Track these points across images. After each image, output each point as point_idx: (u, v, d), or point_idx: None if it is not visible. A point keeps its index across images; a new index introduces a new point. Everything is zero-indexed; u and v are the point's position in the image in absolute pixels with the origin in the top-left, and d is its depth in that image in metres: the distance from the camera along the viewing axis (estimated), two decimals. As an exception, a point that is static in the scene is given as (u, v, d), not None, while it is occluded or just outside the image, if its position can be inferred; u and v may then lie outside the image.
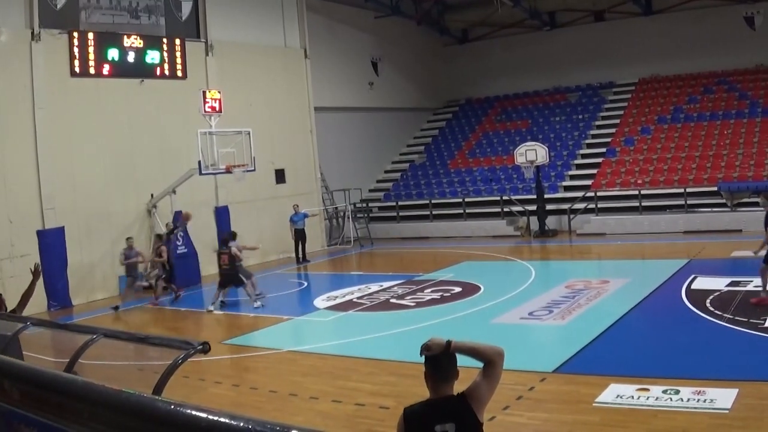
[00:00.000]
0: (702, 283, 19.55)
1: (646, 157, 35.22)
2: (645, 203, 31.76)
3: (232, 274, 21.72)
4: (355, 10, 39.41)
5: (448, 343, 5.18)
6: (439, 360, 5.19)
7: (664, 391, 11.10)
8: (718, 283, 19.14)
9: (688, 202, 31.06)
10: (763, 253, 16.39)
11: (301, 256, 30.46)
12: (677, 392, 11.04)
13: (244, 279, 21.70)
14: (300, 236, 30.46)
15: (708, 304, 16.96)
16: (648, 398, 10.94)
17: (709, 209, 30.76)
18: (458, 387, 5.20)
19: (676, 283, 19.83)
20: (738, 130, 35.00)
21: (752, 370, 11.88)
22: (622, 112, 39.81)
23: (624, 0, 40.05)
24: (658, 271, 21.73)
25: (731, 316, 15.32)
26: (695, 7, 39.11)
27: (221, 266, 22.08)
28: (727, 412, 10.25)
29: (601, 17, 42.27)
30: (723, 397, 10.70)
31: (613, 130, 38.55)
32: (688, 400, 10.75)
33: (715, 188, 31.11)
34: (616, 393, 11.26)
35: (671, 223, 30.49)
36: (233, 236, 22.67)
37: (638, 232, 30.68)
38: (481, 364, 5.32)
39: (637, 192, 32.23)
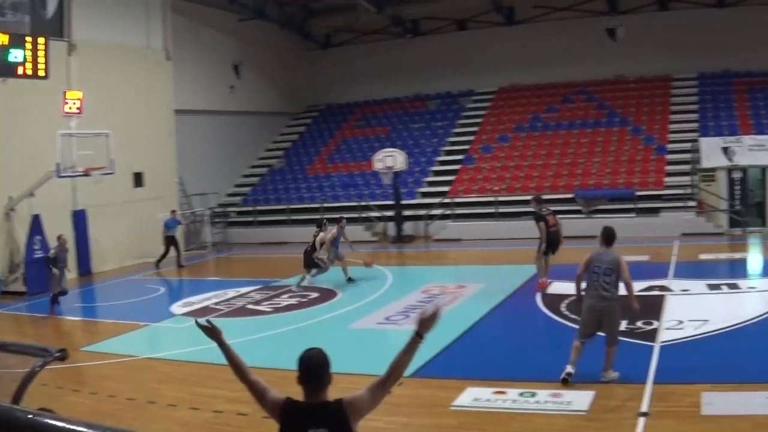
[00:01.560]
0: (557, 287, 19.83)
1: (504, 164, 35.75)
2: (501, 210, 32.20)
3: (310, 257, 22.56)
4: (219, 13, 38.69)
5: (420, 334, 5.36)
6: (315, 367, 5.17)
7: (521, 394, 11.17)
8: (573, 288, 19.34)
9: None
10: None
11: (176, 262, 29.66)
12: (534, 395, 11.11)
13: (320, 265, 22.57)
14: (171, 242, 29.63)
15: (563, 308, 17.26)
16: (505, 401, 10.99)
17: (565, 216, 31.27)
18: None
19: (532, 288, 20.14)
20: (595, 139, 35.94)
21: (608, 372, 12.06)
22: (480, 120, 40.30)
23: (487, 9, 40.59)
24: (514, 276, 21.96)
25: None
26: (558, 18, 40.07)
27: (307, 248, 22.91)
28: (584, 413, 10.39)
29: (464, 26, 42.85)
30: (579, 399, 10.84)
31: (471, 138, 38.97)
32: (545, 402, 10.83)
33: (572, 195, 31.74)
34: (473, 396, 11.25)
35: (527, 230, 30.80)
36: (323, 224, 23.32)
37: (494, 238, 31.04)
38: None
39: (493, 199, 32.62)
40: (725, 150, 30.91)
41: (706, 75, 38.87)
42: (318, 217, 34.16)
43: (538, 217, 20.55)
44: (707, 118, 35.56)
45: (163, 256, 29.49)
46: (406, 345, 5.36)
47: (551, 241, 20.38)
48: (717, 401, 10.60)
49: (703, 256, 24.49)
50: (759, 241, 27.61)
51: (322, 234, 22.60)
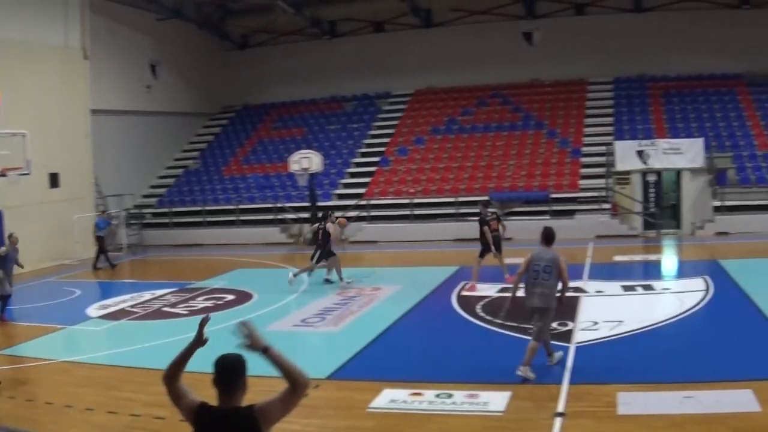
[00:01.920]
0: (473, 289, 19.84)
1: (419, 166, 35.74)
2: (417, 212, 32.16)
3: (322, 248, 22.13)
4: (137, 12, 37.95)
5: (267, 346, 5.18)
6: (228, 373, 5.16)
7: (438, 396, 11.07)
8: (489, 290, 19.56)
9: (460, 211, 31.64)
10: None
11: (107, 263, 28.94)
12: (450, 396, 11.02)
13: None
14: (101, 242, 28.91)
15: (478, 310, 17.25)
16: (422, 402, 10.90)
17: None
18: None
19: (447, 290, 20.16)
20: (510, 142, 36.17)
21: (524, 373, 12.10)
22: (396, 122, 40.26)
23: (404, 12, 40.55)
24: (430, 278, 21.88)
25: (501, 321, 15.46)
26: (475, 21, 40.29)
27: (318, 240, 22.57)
28: (501, 414, 10.33)
29: (381, 28, 42.78)
30: (496, 400, 10.77)
31: (387, 140, 38.89)
32: (462, 403, 10.76)
33: (487, 198, 31.81)
34: (390, 398, 11.13)
35: (443, 232, 30.93)
36: (330, 215, 22.87)
37: (410, 240, 30.98)
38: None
39: (409, 201, 32.56)
40: (640, 153, 31.32)
41: (621, 79, 39.48)
42: (234, 218, 34.10)
43: (482, 221, 20.90)
44: (622, 122, 36.12)
45: (98, 256, 28.94)
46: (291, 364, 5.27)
47: (493, 244, 20.75)
48: (633, 401, 10.63)
49: (618, 258, 24.75)
50: (673, 243, 27.97)
51: (330, 226, 22.24)
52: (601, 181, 32.27)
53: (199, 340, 5.38)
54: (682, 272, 23.27)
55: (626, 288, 19.45)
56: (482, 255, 20.72)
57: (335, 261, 22.28)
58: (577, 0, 39.95)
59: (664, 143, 31.70)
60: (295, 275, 22.26)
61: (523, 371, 11.81)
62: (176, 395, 5.34)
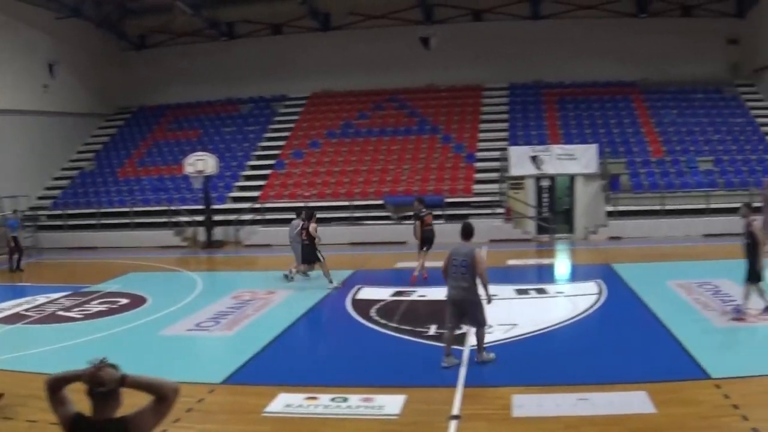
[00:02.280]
0: (367, 293, 19.96)
1: (315, 170, 35.57)
2: (313, 215, 31.95)
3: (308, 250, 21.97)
4: (36, 10, 36.94)
5: (123, 377, 5.03)
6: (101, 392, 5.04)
7: (333, 399, 11.00)
8: (383, 293, 19.61)
9: (355, 215, 31.67)
10: None
11: (16, 264, 28.12)
12: (345, 400, 10.97)
13: (319, 258, 21.85)
14: (15, 242, 28.03)
15: (373, 314, 17.21)
16: (317, 407, 10.83)
17: (375, 222, 31.49)
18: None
19: (342, 294, 20.07)
20: (406, 147, 36.30)
21: (419, 376, 12.16)
22: (293, 126, 39.99)
23: (303, 15, 40.36)
24: (324, 281, 21.66)
25: (396, 325, 15.47)
26: (373, 25, 40.39)
27: (302, 240, 22.18)
28: (396, 417, 10.33)
29: (279, 30, 42.50)
30: (392, 403, 10.76)
31: (282, 143, 38.61)
32: (357, 407, 10.71)
33: (381, 202, 31.89)
34: (285, 402, 11.02)
35: (338, 235, 30.77)
36: (313, 216, 22.53)
37: (306, 244, 30.68)
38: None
39: (304, 204, 32.22)
40: (534, 159, 31.67)
41: (517, 85, 40.04)
42: (128, 221, 33.53)
43: (416, 216, 22.29)
44: (517, 128, 36.58)
45: (17, 256, 28.21)
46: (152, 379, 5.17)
47: (426, 239, 21.95)
48: (527, 403, 10.71)
49: (512, 262, 24.99)
50: (566, 248, 28.36)
51: (312, 225, 22.01)
52: (495, 186, 32.57)
53: (88, 376, 5.20)
54: (576, 276, 23.66)
55: (520, 291, 19.66)
56: (422, 249, 21.85)
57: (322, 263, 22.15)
58: (474, 6, 40.34)
59: (558, 149, 32.15)
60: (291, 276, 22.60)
61: (481, 357, 12.79)
62: (57, 403, 5.23)
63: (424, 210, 22.18)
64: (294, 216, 23.87)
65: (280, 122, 40.78)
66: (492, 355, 12.90)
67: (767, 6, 37.57)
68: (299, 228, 22.49)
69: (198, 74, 43.10)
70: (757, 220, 17.38)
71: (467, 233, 13.22)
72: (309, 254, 22.03)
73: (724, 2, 40.41)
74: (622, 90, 39.41)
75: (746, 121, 37.02)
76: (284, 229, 31.35)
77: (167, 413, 5.15)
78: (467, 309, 12.78)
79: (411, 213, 21.85)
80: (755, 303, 15.60)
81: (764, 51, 38.21)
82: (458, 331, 13.48)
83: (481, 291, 12.69)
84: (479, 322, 12.84)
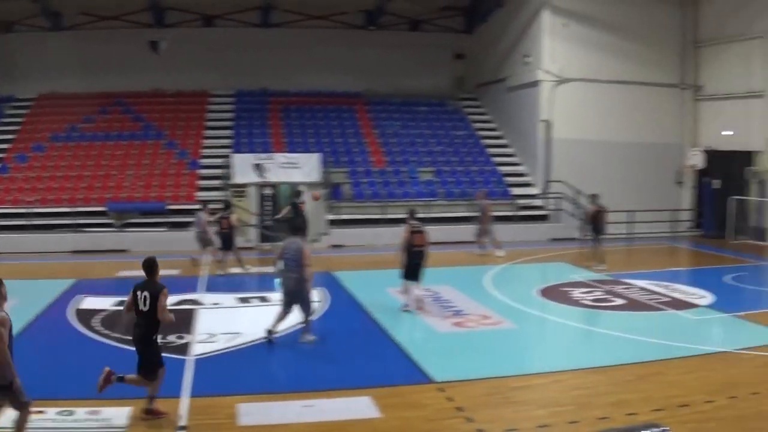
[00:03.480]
0: (90, 302, 19.57)
1: (38, 175, 34.18)
2: (35, 222, 30.86)
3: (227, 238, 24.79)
4: None
5: None
6: None
7: (59, 413, 10.92)
8: (106, 303, 19.30)
9: (78, 221, 30.91)
10: None
11: None
12: (72, 413, 10.94)
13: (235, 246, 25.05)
14: None
15: (96, 324, 17.06)
16: (45, 420, 10.64)
17: (97, 229, 30.87)
18: None
19: (63, 304, 19.55)
20: (130, 152, 35.71)
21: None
22: (19, 128, 38.07)
23: (34, 13, 38.50)
24: (45, 291, 21.04)
25: (119, 335, 15.41)
26: (105, 27, 39.41)
27: (222, 230, 24.84)
28: (124, 430, 10.42)
29: (10, 28, 40.06)
30: (118, 416, 10.83)
31: (7, 146, 36.68)
32: (85, 420, 10.71)
33: (104, 208, 31.33)
34: (10, 417, 10.72)
35: (60, 243, 29.94)
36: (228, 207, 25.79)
37: (28, 251, 29.48)
38: None
39: (27, 210, 31.24)
40: (257, 166, 32.09)
41: (243, 92, 40.45)
42: None
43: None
44: (242, 135, 36.94)
45: None
46: None
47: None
48: (254, 411, 11.06)
49: (234, 270, 25.09)
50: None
51: (233, 215, 25.31)
52: (218, 193, 32.61)
53: None
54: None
55: (242, 300, 20.17)
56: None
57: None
58: (205, 12, 40.34)
59: (281, 157, 32.84)
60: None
61: (304, 338, 15.45)
62: None
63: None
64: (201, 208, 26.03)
65: (6, 124, 38.55)
66: (312, 338, 15.47)
67: (494, 23, 40.08)
68: (215, 218, 25.10)
69: None
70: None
71: (297, 230, 16.53)
72: (228, 242, 24.69)
73: (454, 18, 42.56)
74: (347, 100, 40.69)
75: (468, 134, 39.32)
76: (7, 236, 30.21)
77: None
78: (296, 295, 15.36)
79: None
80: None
81: (488, 66, 40.66)
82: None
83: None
84: (307, 310, 15.59)
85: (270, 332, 15.31)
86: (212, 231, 25.04)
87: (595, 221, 26.24)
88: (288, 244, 15.66)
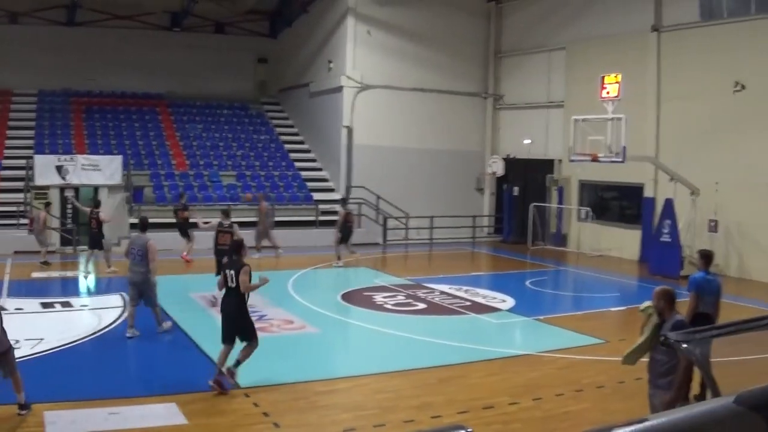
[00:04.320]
0: None
1: None
2: None
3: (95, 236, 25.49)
4: None
5: None
6: None
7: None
8: None
9: None
10: None
11: None
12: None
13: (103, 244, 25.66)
14: None
15: None
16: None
17: None
18: None
19: None
20: None
21: None
22: None
23: None
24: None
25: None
26: None
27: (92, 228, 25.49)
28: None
29: None
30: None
31: None
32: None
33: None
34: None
35: None
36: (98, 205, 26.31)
37: None
38: None
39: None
40: (59, 168, 31.60)
41: (46, 92, 39.54)
42: None
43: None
44: (44, 136, 36.16)
45: None
46: None
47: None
48: (59, 419, 11.12)
49: (36, 275, 24.87)
50: (91, 260, 28.40)
51: (102, 214, 25.72)
52: (20, 196, 31.93)
53: None
54: (101, 289, 23.80)
55: (45, 305, 19.94)
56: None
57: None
58: (11, 8, 39.21)
59: (83, 159, 32.38)
60: None
61: (162, 328, 16.75)
62: None
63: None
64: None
65: None
66: (169, 324, 17.12)
67: (299, 28, 40.72)
68: (88, 214, 25.60)
69: None
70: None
71: (144, 226, 17.36)
72: (95, 241, 25.41)
73: (259, 22, 42.99)
74: (150, 102, 40.59)
75: (270, 138, 39.81)
76: None
77: None
78: (143, 289, 16.36)
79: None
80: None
81: (292, 71, 41.31)
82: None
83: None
84: (152, 303, 16.62)
85: (130, 337, 16.30)
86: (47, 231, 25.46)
87: (345, 224, 28.07)
88: (134, 240, 17.04)
